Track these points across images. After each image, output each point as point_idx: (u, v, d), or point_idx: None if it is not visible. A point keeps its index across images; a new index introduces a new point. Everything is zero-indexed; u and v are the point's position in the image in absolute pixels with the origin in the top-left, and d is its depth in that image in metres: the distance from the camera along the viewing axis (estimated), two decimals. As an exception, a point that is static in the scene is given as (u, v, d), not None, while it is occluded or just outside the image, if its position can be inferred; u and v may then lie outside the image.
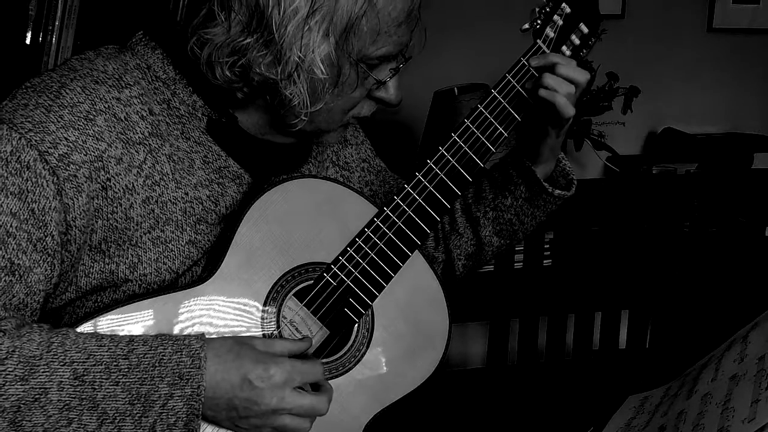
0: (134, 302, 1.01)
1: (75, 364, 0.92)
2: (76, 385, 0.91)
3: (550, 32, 1.17)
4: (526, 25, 1.17)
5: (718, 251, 2.35)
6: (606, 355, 2.27)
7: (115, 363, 0.93)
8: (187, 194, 1.06)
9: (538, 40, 1.17)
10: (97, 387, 0.92)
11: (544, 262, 2.24)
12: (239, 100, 1.05)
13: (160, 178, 1.04)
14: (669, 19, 2.76)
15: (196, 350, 0.95)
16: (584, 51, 1.21)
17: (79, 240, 0.99)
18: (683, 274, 2.28)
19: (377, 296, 1.10)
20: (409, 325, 1.14)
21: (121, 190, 1.01)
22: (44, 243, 0.97)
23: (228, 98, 1.05)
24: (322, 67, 0.98)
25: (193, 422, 0.95)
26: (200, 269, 1.08)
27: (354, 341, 1.12)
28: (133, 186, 1.01)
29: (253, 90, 1.03)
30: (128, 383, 0.93)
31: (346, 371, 1.11)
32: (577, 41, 1.19)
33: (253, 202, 1.06)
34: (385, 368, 1.13)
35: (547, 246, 2.25)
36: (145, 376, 0.93)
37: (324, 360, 1.10)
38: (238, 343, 0.99)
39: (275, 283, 1.07)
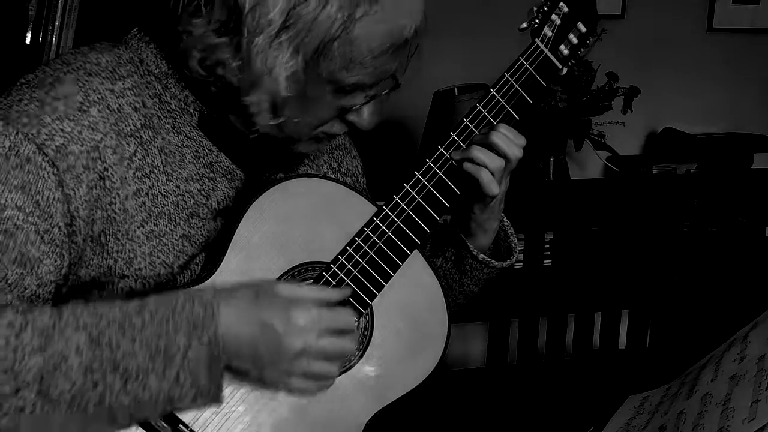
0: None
1: (89, 327, 0.90)
2: (94, 348, 0.90)
3: (548, 31, 1.17)
4: (524, 25, 1.17)
5: (718, 251, 2.35)
6: (606, 355, 2.27)
7: (128, 321, 0.91)
8: (178, 187, 1.06)
9: (536, 40, 1.17)
10: (114, 347, 0.90)
11: (544, 262, 2.24)
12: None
13: (150, 171, 1.04)
14: (669, 19, 2.76)
15: (208, 299, 0.94)
16: (582, 50, 1.21)
17: (83, 231, 1.00)
18: (683, 274, 2.28)
19: (377, 295, 1.10)
20: (409, 324, 1.14)
21: (118, 181, 1.01)
22: (51, 234, 0.97)
23: (214, 97, 1.04)
24: (285, 84, 0.98)
25: (215, 366, 0.93)
26: (199, 268, 1.08)
27: (353, 340, 1.12)
28: (125, 177, 1.02)
29: (220, 89, 1.02)
30: (145, 339, 0.91)
31: (346, 370, 1.11)
32: (575, 40, 1.19)
33: (252, 200, 1.06)
34: (384, 367, 1.13)
35: (547, 246, 2.24)
36: (160, 330, 0.92)
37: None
38: (255, 290, 0.96)
39: (274, 283, 1.07)
